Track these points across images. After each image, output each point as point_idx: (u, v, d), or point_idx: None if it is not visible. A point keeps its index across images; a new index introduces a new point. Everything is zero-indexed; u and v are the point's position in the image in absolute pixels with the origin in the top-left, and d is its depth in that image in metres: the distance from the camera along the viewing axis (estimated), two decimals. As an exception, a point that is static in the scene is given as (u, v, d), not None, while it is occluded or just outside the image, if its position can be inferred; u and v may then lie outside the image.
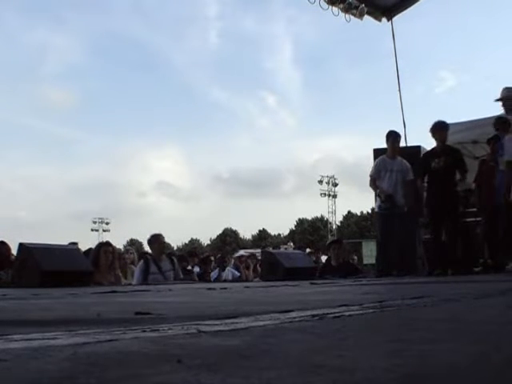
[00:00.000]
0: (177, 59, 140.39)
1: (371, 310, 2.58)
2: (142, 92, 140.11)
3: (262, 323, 2.04)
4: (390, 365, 1.24)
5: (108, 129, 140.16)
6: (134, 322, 2.18)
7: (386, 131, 11.21)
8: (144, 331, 1.86)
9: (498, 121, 10.45)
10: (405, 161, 11.11)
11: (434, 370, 1.17)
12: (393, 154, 11.08)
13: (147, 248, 12.01)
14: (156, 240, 10.68)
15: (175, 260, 10.96)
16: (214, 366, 1.23)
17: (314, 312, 2.38)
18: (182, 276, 11.32)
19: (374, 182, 11.08)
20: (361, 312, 2.49)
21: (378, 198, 11.18)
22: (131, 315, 2.54)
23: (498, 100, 9.93)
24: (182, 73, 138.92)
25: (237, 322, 2.05)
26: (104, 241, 13.23)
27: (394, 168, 10.96)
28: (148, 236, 10.84)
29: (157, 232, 10.93)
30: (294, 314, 2.33)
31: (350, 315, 2.34)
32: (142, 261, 10.56)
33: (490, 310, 2.71)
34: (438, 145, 10.43)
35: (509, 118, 9.83)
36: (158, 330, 1.87)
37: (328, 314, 2.35)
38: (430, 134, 10.53)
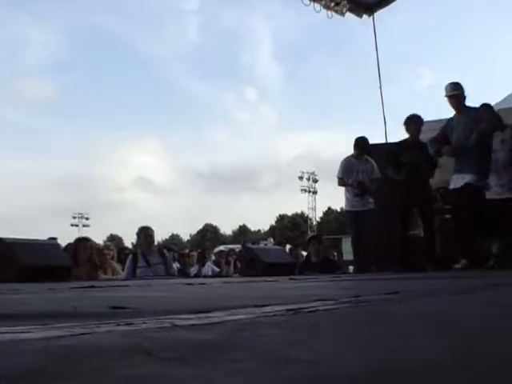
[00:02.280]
0: (156, 53, 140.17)
1: (346, 305, 2.60)
2: (121, 85, 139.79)
3: (236, 317, 2.04)
4: (361, 359, 1.25)
5: (87, 123, 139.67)
6: (109, 316, 2.17)
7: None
8: (118, 325, 1.85)
9: None
10: (371, 160, 11.21)
11: (405, 366, 1.17)
12: (358, 155, 11.19)
13: (127, 243, 12.01)
14: (143, 232, 10.64)
15: (166, 253, 10.92)
16: (185, 358, 1.24)
17: (290, 307, 2.39)
18: (175, 270, 11.30)
19: (342, 181, 11.18)
20: (336, 307, 2.50)
21: (346, 197, 11.27)
22: (107, 309, 2.53)
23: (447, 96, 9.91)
24: (161, 66, 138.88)
25: (212, 316, 2.05)
26: (82, 236, 13.18)
27: (360, 168, 11.09)
28: (136, 229, 10.81)
29: (144, 225, 10.90)
30: (269, 309, 2.34)
31: (324, 310, 2.35)
32: (130, 255, 10.55)
33: (464, 306, 2.73)
34: (410, 138, 10.48)
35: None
36: (131, 323, 1.87)
37: (303, 308, 2.36)
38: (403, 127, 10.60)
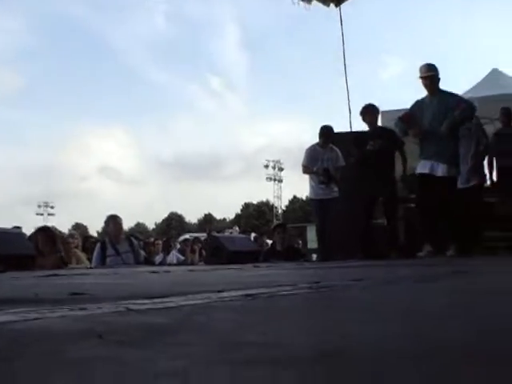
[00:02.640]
0: (122, 41, 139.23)
1: (306, 291, 2.60)
2: (87, 74, 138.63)
3: (192, 302, 2.04)
4: (312, 342, 1.25)
5: (52, 112, 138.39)
6: (66, 301, 2.15)
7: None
8: (72, 310, 1.84)
9: None
10: (335, 148, 11.21)
11: (358, 351, 1.18)
12: (323, 144, 11.17)
13: (92, 232, 11.94)
14: (112, 221, 10.55)
15: (135, 242, 10.85)
16: (136, 341, 1.23)
17: (248, 292, 2.39)
18: (143, 258, 11.25)
19: (307, 169, 11.18)
20: (295, 292, 2.50)
21: (311, 186, 11.27)
22: (66, 296, 2.51)
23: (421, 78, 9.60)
24: (126, 55, 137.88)
25: (168, 301, 2.04)
26: (43, 225, 13.05)
27: (324, 156, 11.08)
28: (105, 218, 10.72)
29: (112, 213, 10.82)
30: (227, 294, 2.34)
31: (283, 295, 2.35)
32: (99, 243, 10.46)
33: (427, 294, 2.75)
34: (368, 127, 10.53)
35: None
36: (86, 308, 1.86)
37: (261, 293, 2.36)
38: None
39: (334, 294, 2.64)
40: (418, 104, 9.76)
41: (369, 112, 10.48)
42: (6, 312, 1.85)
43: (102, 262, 9.94)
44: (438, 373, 0.94)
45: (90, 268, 9.15)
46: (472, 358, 1.06)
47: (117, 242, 10.18)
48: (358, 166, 10.42)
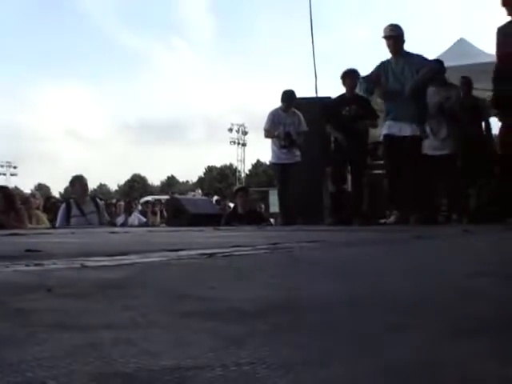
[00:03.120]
0: (87, 2, 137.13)
1: (262, 251, 2.62)
2: (52, 33, 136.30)
3: (148, 260, 2.05)
4: (257, 296, 1.27)
5: (16, 71, 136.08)
6: (22, 258, 2.14)
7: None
8: (27, 265, 1.84)
9: None
10: (298, 113, 11.17)
11: (300, 302, 1.20)
12: (286, 108, 11.14)
13: (55, 193, 11.88)
14: (78, 181, 10.46)
15: (99, 202, 10.79)
16: (84, 295, 1.24)
17: (205, 251, 2.40)
18: (107, 219, 11.19)
19: (269, 133, 11.15)
20: (251, 252, 2.52)
21: (273, 150, 11.25)
22: (22, 253, 2.50)
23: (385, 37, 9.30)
24: (91, 15, 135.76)
25: (124, 259, 2.05)
26: (2, 185, 12.93)
27: (287, 121, 11.04)
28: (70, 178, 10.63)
29: (78, 173, 10.73)
30: (184, 253, 2.35)
31: (239, 255, 2.37)
32: (64, 204, 10.36)
33: (378, 255, 2.79)
34: (347, 91, 10.49)
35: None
36: (41, 264, 1.86)
37: (218, 253, 2.38)
38: (340, 82, 10.60)
39: (288, 254, 2.67)
40: (384, 65, 9.48)
41: (349, 77, 10.43)
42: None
43: (67, 222, 9.87)
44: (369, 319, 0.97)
45: (53, 228, 9.09)
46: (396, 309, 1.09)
47: (82, 203, 10.11)
48: (332, 131, 10.40)
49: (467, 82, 10.70)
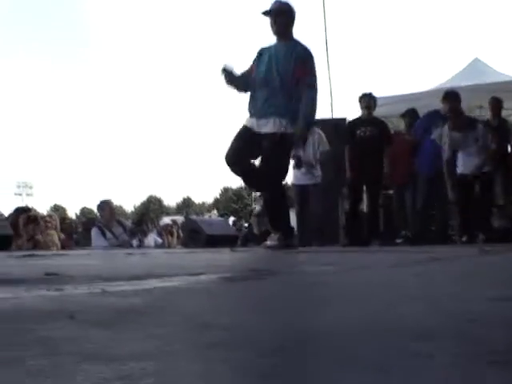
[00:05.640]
0: None
1: (279, 276, 2.62)
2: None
3: (167, 284, 2.05)
4: (279, 326, 1.27)
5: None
6: (42, 281, 2.16)
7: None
8: (48, 290, 1.84)
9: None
10: (319, 131, 11.17)
11: (317, 332, 1.20)
12: None
13: (71, 213, 12.06)
14: (106, 206, 10.72)
15: (126, 224, 11.04)
16: (107, 322, 1.24)
17: (224, 275, 2.40)
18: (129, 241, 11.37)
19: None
20: (269, 277, 2.52)
21: (293, 170, 11.25)
22: (41, 276, 2.51)
23: (266, 13, 7.20)
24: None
25: (144, 284, 2.05)
26: (23, 205, 13.07)
27: (307, 140, 11.03)
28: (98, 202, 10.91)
29: (105, 198, 10.98)
30: (202, 277, 2.35)
31: (257, 279, 2.36)
32: (95, 228, 10.55)
33: (398, 278, 2.77)
34: (363, 113, 10.52)
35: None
36: (62, 289, 1.86)
37: (236, 277, 2.38)
38: (357, 105, 10.63)
39: (306, 278, 2.66)
40: (263, 51, 7.40)
41: (365, 99, 10.47)
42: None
43: (103, 243, 10.10)
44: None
45: (91, 249, 9.22)
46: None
47: (111, 226, 10.35)
48: (348, 152, 10.42)
49: (498, 102, 10.66)
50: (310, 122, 7.34)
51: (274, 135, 6.79)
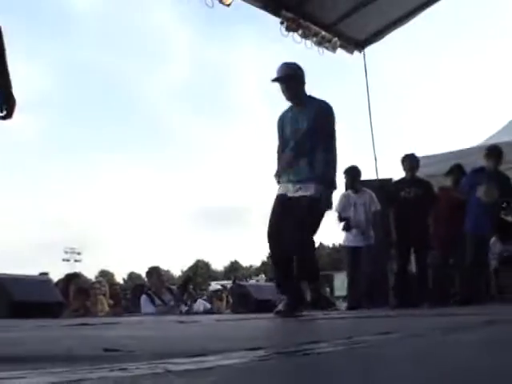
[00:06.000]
0: (142, 88, 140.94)
1: (340, 348, 2.59)
2: (111, 122, 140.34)
3: (229, 362, 2.04)
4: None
5: (76, 158, 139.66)
6: (102, 359, 2.16)
7: (357, 164, 11.24)
8: (112, 370, 1.85)
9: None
10: (369, 192, 11.17)
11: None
12: (355, 188, 11.13)
13: (118, 278, 12.18)
14: (155, 273, 10.85)
15: (175, 291, 11.14)
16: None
17: (283, 350, 2.39)
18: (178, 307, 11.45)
19: (340, 216, 11.14)
20: (329, 349, 2.50)
21: (344, 232, 11.23)
22: (100, 351, 2.51)
23: (275, 80, 7.04)
24: (147, 102, 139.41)
25: (205, 361, 2.05)
26: (73, 272, 13.23)
27: (358, 201, 11.03)
28: (146, 269, 11.07)
29: (154, 265, 11.12)
30: (262, 352, 2.34)
31: (319, 353, 2.35)
32: (144, 295, 10.67)
33: (457, 347, 2.73)
34: (406, 174, 10.54)
35: None
36: (125, 368, 1.87)
37: (297, 351, 2.36)
38: (400, 166, 10.65)
39: (366, 350, 2.64)
40: (283, 117, 7.35)
41: (408, 158, 10.51)
42: (45, 372, 1.86)
43: (152, 310, 10.22)
44: None
45: (141, 317, 9.28)
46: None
47: (160, 293, 10.46)
48: (393, 213, 10.41)
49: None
50: (332, 183, 7.08)
51: (302, 199, 6.73)
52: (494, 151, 10.25)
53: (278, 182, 7.04)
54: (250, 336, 3.87)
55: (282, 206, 6.85)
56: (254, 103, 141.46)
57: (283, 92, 7.06)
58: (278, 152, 7.23)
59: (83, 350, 2.79)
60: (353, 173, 11.07)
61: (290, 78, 7.01)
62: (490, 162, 10.17)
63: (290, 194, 6.86)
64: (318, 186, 6.72)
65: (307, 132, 6.90)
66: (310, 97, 7.18)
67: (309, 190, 6.71)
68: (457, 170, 11.03)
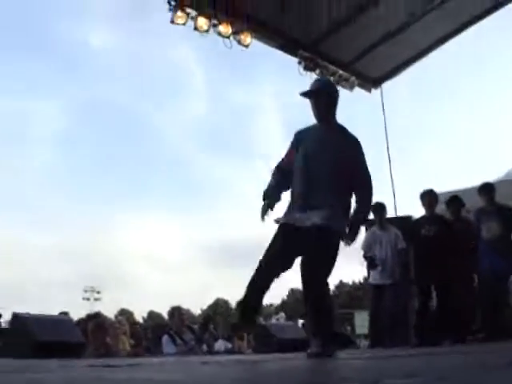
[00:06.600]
0: (162, 127, 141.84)
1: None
2: (130, 161, 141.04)
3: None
4: None
5: (95, 198, 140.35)
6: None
7: (374, 202, 11.25)
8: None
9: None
10: (395, 229, 11.18)
11: None
12: (381, 225, 11.14)
13: (138, 317, 12.30)
14: (176, 312, 10.94)
15: (196, 330, 11.24)
16: None
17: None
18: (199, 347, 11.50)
19: (364, 254, 11.15)
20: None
21: (370, 270, 11.23)
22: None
23: (305, 94, 6.46)
24: (167, 142, 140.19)
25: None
26: (94, 312, 13.29)
27: (383, 239, 11.02)
28: (168, 308, 11.21)
29: (175, 305, 11.21)
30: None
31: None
32: (165, 335, 10.75)
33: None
34: (426, 212, 10.54)
35: None
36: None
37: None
38: (419, 203, 10.66)
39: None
40: (302, 135, 6.70)
41: (427, 195, 10.53)
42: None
43: (173, 351, 10.29)
44: None
45: (162, 357, 9.31)
46: None
47: (181, 332, 10.54)
48: (414, 251, 10.43)
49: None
50: (363, 219, 6.75)
51: (319, 229, 6.08)
52: (483, 189, 10.37)
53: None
54: (272, 379, 3.87)
55: None
56: (274, 141, 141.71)
57: (312, 108, 6.46)
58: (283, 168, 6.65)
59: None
60: (380, 209, 11.09)
61: (322, 94, 6.46)
62: (483, 199, 10.29)
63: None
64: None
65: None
66: (340, 124, 6.62)
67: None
68: (455, 202, 10.93)
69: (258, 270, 6.34)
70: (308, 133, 6.60)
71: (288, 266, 6.34)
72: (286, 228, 6.33)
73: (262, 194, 6.59)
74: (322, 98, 6.41)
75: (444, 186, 11.84)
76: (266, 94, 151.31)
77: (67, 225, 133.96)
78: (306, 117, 6.47)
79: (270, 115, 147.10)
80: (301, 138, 6.59)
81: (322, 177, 6.24)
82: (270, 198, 6.52)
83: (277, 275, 6.38)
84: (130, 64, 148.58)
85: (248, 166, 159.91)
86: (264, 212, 6.46)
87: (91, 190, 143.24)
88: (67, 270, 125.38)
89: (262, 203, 6.51)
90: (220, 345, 14.90)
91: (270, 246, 6.37)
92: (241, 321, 6.76)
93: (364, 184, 6.46)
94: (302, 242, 6.10)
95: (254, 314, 6.66)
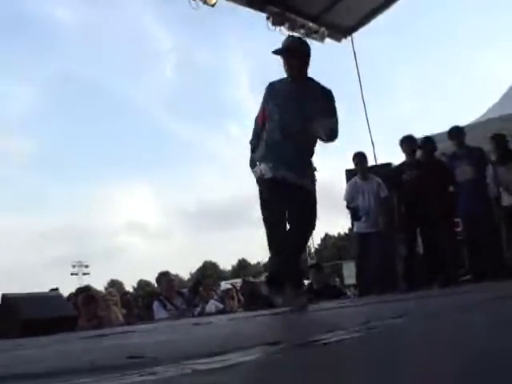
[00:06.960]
0: (134, 96, 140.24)
1: (357, 334, 2.63)
2: (103, 135, 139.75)
3: (251, 357, 2.09)
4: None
5: (72, 172, 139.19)
6: (128, 367, 2.17)
7: (355, 151, 11.26)
8: (141, 375, 1.88)
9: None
10: (377, 178, 11.19)
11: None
12: (363, 175, 11.16)
13: (128, 287, 12.21)
14: (164, 278, 10.86)
15: (186, 293, 11.18)
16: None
17: (301, 341, 2.44)
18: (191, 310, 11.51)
19: (347, 205, 11.18)
20: (347, 337, 2.54)
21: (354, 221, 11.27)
22: (124, 360, 2.51)
23: (277, 52, 6.43)
24: (142, 109, 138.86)
25: (227, 359, 2.08)
26: (83, 285, 13.26)
27: (365, 189, 11.05)
28: (156, 275, 11.08)
29: (163, 270, 11.13)
30: (282, 345, 2.38)
31: (337, 341, 2.38)
32: (155, 301, 10.70)
33: (471, 325, 2.76)
34: (406, 157, 10.55)
35: None
36: (154, 373, 1.90)
37: (316, 341, 2.41)
38: (399, 150, 10.67)
39: (384, 335, 2.68)
40: (274, 87, 6.75)
41: (407, 143, 10.51)
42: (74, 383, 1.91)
43: (165, 316, 10.26)
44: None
45: (155, 323, 9.32)
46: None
47: (171, 298, 10.47)
48: (397, 198, 10.45)
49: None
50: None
51: (305, 187, 6.49)
52: (452, 132, 10.44)
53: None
54: (266, 331, 3.92)
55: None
56: (245, 100, 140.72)
57: (284, 66, 6.48)
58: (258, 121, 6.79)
59: (106, 360, 2.75)
60: (361, 159, 11.13)
61: (294, 51, 6.49)
62: (454, 143, 10.39)
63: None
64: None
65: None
66: (312, 78, 6.70)
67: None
68: (428, 143, 10.89)
69: (269, 234, 6.55)
70: (280, 85, 6.66)
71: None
72: (274, 184, 6.45)
73: (248, 144, 6.92)
74: (294, 55, 6.45)
75: (419, 131, 11.83)
76: (235, 53, 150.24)
77: (47, 203, 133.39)
78: (277, 73, 6.49)
79: (240, 74, 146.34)
80: (273, 92, 6.66)
81: (296, 127, 6.40)
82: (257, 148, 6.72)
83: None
84: (96, 34, 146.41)
85: (219, 127, 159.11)
86: (253, 162, 6.71)
87: (67, 167, 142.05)
88: (54, 248, 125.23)
89: (250, 154, 6.79)
90: (211, 306, 14.94)
91: (268, 205, 6.56)
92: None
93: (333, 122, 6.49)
94: (292, 196, 6.39)
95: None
